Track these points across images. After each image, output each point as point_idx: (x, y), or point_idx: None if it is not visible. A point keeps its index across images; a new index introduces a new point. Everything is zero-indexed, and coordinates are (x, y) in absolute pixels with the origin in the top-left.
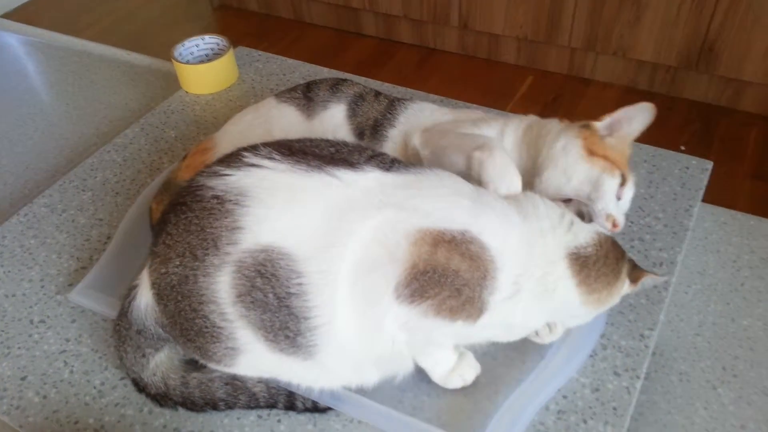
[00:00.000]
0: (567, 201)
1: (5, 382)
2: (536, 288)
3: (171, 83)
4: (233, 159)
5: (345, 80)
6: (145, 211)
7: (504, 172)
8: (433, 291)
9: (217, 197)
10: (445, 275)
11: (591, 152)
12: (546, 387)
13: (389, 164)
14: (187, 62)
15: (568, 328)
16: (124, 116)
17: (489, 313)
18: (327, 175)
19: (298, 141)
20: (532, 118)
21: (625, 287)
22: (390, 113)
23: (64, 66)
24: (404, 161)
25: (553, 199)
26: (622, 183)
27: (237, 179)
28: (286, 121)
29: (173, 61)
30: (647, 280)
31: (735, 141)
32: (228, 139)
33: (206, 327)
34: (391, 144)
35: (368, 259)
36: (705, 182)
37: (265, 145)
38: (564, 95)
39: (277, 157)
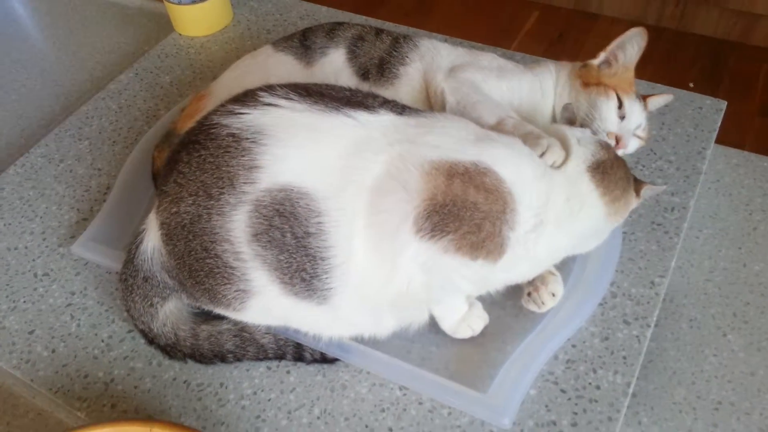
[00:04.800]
0: None
1: (13, 336)
2: (561, 214)
3: (163, 25)
4: (249, 98)
5: (342, 23)
6: (144, 159)
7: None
8: (454, 225)
9: (232, 135)
10: (464, 208)
11: (586, 84)
12: (555, 337)
13: (401, 108)
14: (180, 2)
15: (568, 291)
16: (118, 61)
17: (511, 250)
18: (344, 116)
19: (314, 84)
20: (555, 66)
21: (633, 198)
22: (396, 51)
23: (52, 8)
24: (415, 108)
25: None
26: (620, 105)
27: (254, 118)
28: (283, 69)
29: (165, 1)
30: (647, 191)
31: (745, 77)
32: (223, 83)
33: (218, 267)
34: (407, 81)
35: (382, 191)
36: (718, 123)
37: (281, 85)
38: (570, 31)
39: (294, 97)
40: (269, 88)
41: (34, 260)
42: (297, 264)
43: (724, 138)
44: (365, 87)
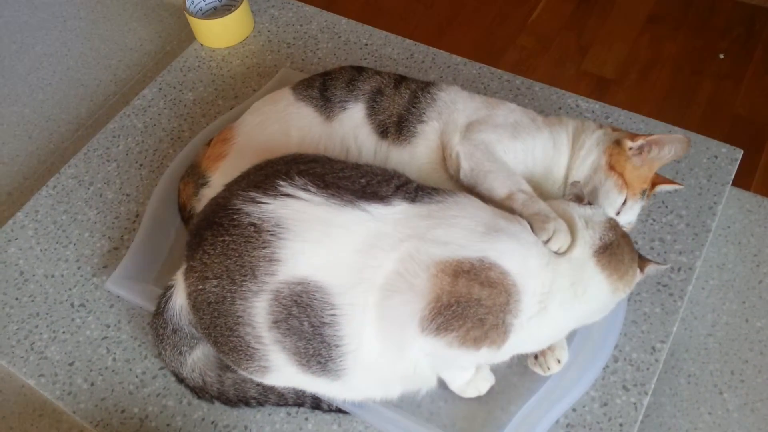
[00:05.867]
0: None
1: (55, 367)
2: (565, 298)
3: (184, 22)
4: (269, 186)
5: (362, 71)
6: (170, 191)
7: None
8: (457, 323)
9: (254, 225)
10: (468, 306)
11: (611, 167)
12: (559, 403)
13: (414, 193)
14: (200, 10)
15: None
16: (140, 61)
17: (514, 335)
18: (359, 210)
19: (331, 171)
20: (574, 126)
21: (638, 273)
22: (414, 106)
23: None
24: (428, 188)
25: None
26: (624, 202)
27: (274, 209)
28: (304, 122)
29: (186, 13)
30: (651, 268)
31: None
32: (246, 131)
33: (241, 346)
34: (423, 141)
35: (391, 290)
36: (732, 175)
37: (300, 174)
38: None
39: (312, 189)
40: (288, 177)
41: (70, 289)
42: (313, 349)
43: (753, 114)
44: (384, 145)
